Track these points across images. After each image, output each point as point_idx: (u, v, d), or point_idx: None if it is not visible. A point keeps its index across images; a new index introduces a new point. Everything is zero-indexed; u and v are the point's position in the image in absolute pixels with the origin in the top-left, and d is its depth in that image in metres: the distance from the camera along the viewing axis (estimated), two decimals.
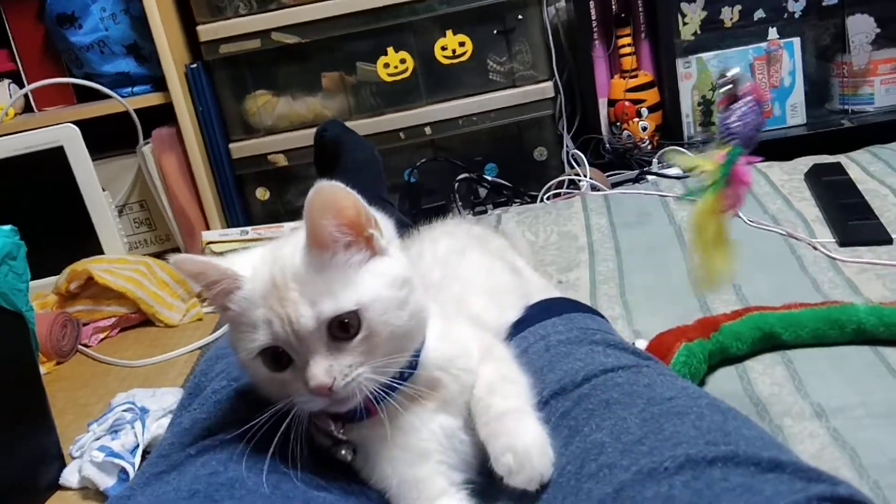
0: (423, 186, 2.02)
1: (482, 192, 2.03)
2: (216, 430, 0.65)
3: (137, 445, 1.23)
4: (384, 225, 0.63)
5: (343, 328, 0.57)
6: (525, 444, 0.59)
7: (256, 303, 0.59)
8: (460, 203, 1.98)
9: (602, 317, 0.88)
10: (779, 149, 1.71)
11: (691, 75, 2.07)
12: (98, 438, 1.25)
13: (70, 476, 1.22)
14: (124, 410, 1.30)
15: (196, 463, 0.60)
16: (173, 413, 0.79)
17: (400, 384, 0.61)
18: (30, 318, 1.18)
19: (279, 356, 0.59)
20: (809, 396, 0.94)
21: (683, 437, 0.56)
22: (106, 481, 1.17)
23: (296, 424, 0.59)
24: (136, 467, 1.20)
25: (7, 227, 1.15)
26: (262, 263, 0.61)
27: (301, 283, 0.58)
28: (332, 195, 0.58)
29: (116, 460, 1.18)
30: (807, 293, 1.18)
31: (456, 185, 1.99)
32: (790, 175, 1.63)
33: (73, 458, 1.26)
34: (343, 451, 0.62)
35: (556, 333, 0.76)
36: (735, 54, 2.04)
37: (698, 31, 2.05)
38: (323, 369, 0.56)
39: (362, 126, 1.87)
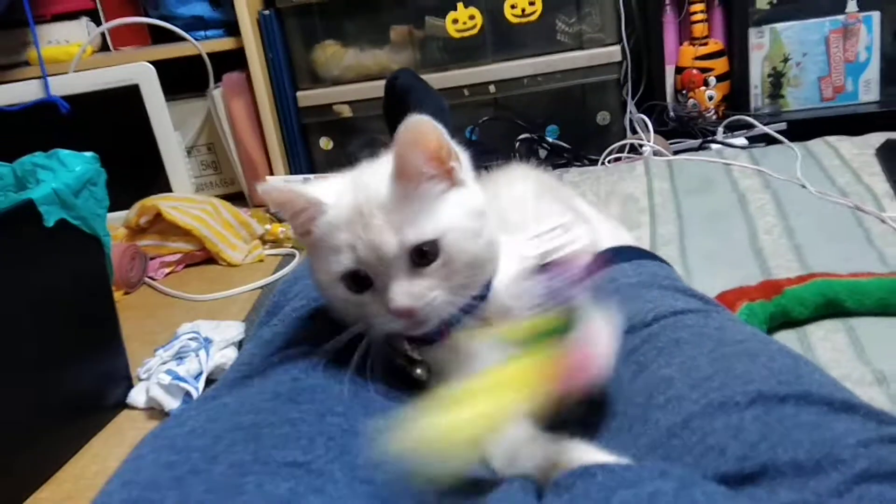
0: (484, 144, 2.03)
1: (542, 153, 2.03)
2: (297, 342, 0.68)
3: (201, 372, 1.28)
4: (463, 158, 0.65)
5: (423, 255, 0.59)
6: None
7: (341, 227, 0.61)
8: (520, 163, 1.99)
9: (670, 266, 0.88)
10: (850, 124, 1.68)
11: (763, 46, 2.03)
12: (164, 363, 1.30)
13: (137, 396, 1.28)
14: (189, 339, 1.35)
15: (278, 369, 0.63)
16: (253, 330, 0.82)
17: (473, 308, 0.63)
18: (106, 244, 1.23)
19: (361, 279, 0.61)
20: (871, 363, 0.94)
21: (755, 376, 0.57)
22: (171, 403, 1.23)
23: (373, 344, 0.61)
24: (200, 392, 1.25)
25: (89, 154, 1.19)
26: (346, 191, 0.63)
27: (386, 211, 0.60)
28: (421, 129, 0.59)
29: (182, 384, 1.23)
30: (872, 265, 1.16)
31: (517, 144, 1.99)
32: (861, 150, 1.60)
33: (140, 380, 1.32)
34: (419, 371, 0.64)
35: (625, 277, 0.77)
36: (811, 26, 1.99)
37: (774, 1, 2.01)
38: (404, 291, 0.59)
39: (427, 81, 1.88)
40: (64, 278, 1.15)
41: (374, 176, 0.62)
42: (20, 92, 1.77)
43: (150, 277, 1.74)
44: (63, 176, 1.12)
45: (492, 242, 0.64)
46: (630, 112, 2.08)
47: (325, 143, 2.10)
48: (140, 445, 0.56)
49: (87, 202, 1.14)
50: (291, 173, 2.06)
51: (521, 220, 0.76)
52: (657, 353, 0.64)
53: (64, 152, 1.16)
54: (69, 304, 1.17)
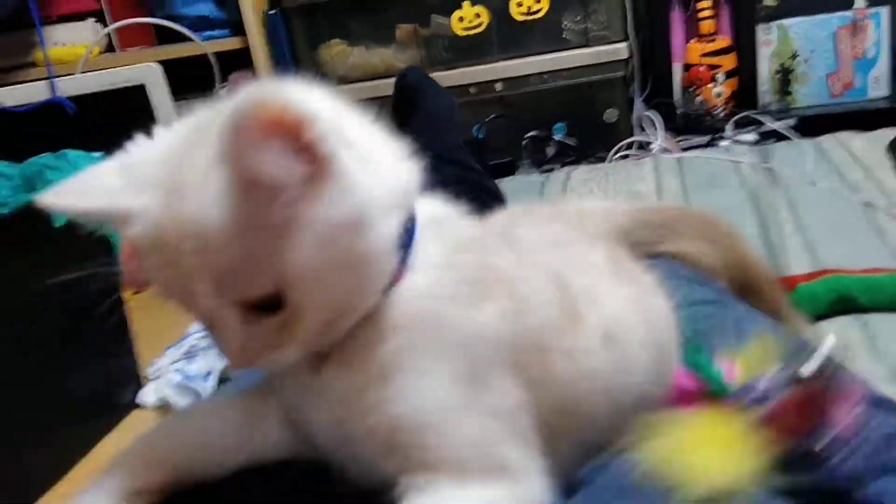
0: (491, 143, 2.02)
1: (550, 151, 2.02)
2: None
3: (211, 371, 1.28)
4: (350, 125, 0.45)
5: (260, 305, 0.43)
6: None
7: (146, 251, 0.45)
8: (527, 161, 1.99)
9: None
10: (860, 120, 1.67)
11: (771, 42, 2.02)
12: (174, 362, 1.30)
13: (147, 396, 1.28)
14: (199, 338, 1.35)
15: None
16: None
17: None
18: (115, 243, 1.22)
19: None
20: (885, 359, 0.94)
21: None
22: (181, 402, 1.23)
23: None
24: (211, 390, 1.25)
25: (97, 154, 1.19)
26: (161, 178, 0.43)
27: (201, 243, 0.41)
28: (266, 109, 0.38)
29: (191, 383, 1.23)
30: (885, 261, 1.15)
31: (524, 143, 1.99)
32: (872, 145, 1.59)
33: (150, 380, 1.32)
34: None
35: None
36: (819, 22, 1.98)
37: None
38: (234, 349, 0.45)
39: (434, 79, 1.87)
40: (73, 278, 1.15)
41: (192, 166, 0.42)
42: (27, 93, 1.77)
43: None
44: (72, 176, 1.11)
45: (375, 265, 0.45)
46: (637, 109, 2.07)
47: None
48: None
49: None
50: None
51: (588, 286, 0.57)
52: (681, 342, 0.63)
53: (73, 153, 1.16)
54: (80, 302, 1.16)
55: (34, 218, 1.07)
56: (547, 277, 0.51)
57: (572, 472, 0.49)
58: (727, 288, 0.77)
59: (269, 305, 0.43)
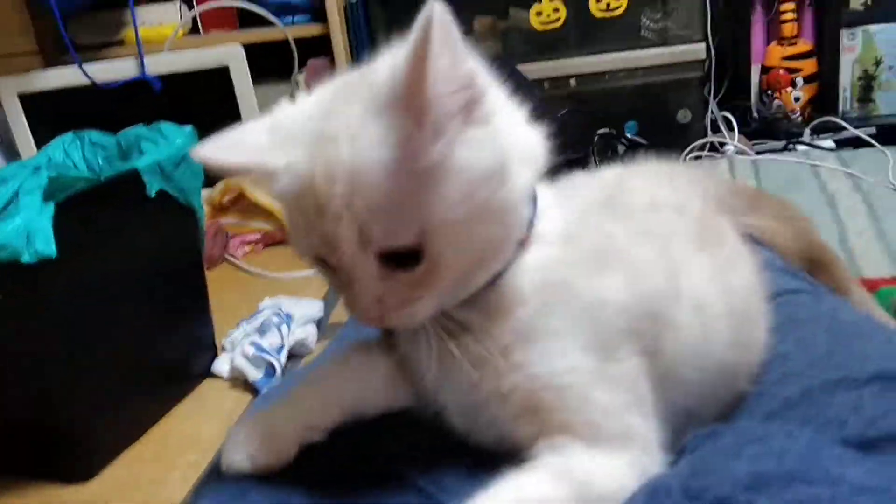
0: (561, 139, 2.01)
1: (620, 149, 2.01)
2: None
3: (283, 346, 1.31)
4: (481, 72, 0.46)
5: (399, 257, 0.44)
6: None
7: (291, 205, 0.46)
8: (597, 158, 1.98)
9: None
10: None
11: (855, 48, 1.98)
12: (248, 335, 1.33)
13: (221, 366, 1.32)
14: (272, 313, 1.38)
15: None
16: None
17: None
18: (201, 216, 1.27)
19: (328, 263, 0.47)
20: None
21: (872, 355, 0.56)
22: (254, 374, 1.26)
23: None
24: (282, 365, 1.28)
25: (188, 128, 1.23)
26: (307, 138, 0.45)
27: (348, 192, 0.42)
28: (446, 34, 0.40)
29: (265, 356, 1.27)
30: None
31: (595, 139, 1.98)
32: None
33: (224, 351, 1.36)
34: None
35: None
36: None
37: (868, 2, 1.95)
38: (369, 301, 0.45)
39: None
40: (162, 247, 1.19)
41: (346, 115, 0.44)
42: (116, 70, 1.83)
43: (230, 255, 1.79)
44: (164, 148, 1.15)
45: (512, 216, 0.46)
46: (712, 111, 2.05)
47: None
48: None
49: (184, 175, 1.18)
50: None
51: (680, 253, 0.56)
52: (774, 329, 0.63)
53: (166, 125, 1.20)
54: (165, 272, 1.21)
55: (128, 186, 1.13)
56: (654, 246, 0.52)
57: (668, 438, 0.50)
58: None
59: (407, 260, 0.44)
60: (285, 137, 0.46)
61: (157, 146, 1.16)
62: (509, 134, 0.46)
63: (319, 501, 0.49)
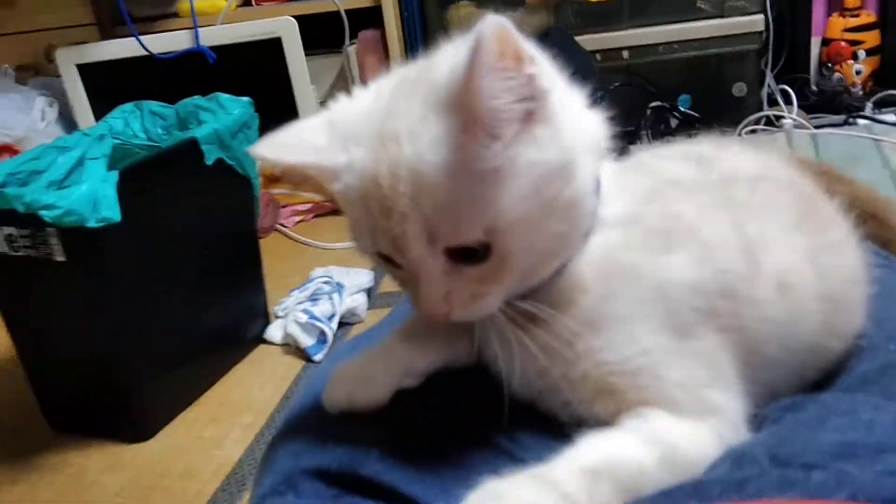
0: (613, 111, 1.99)
1: (673, 122, 1.98)
2: None
3: (334, 314, 1.33)
4: (546, 68, 0.45)
5: (467, 252, 0.44)
6: None
7: (355, 203, 0.45)
8: (649, 131, 1.95)
9: None
10: None
11: None
12: (300, 303, 1.36)
13: (274, 332, 1.35)
14: (323, 282, 1.40)
15: None
16: None
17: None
18: (256, 186, 1.28)
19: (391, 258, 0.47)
20: None
21: None
22: (306, 340, 1.29)
23: None
24: (334, 332, 1.30)
25: (245, 99, 1.25)
26: (369, 135, 0.45)
27: (414, 190, 0.42)
28: (505, 38, 0.40)
29: (317, 323, 1.29)
30: None
31: (647, 112, 1.95)
32: None
33: (277, 318, 1.38)
34: None
35: None
36: None
37: None
38: (435, 297, 0.45)
39: None
40: (218, 214, 1.22)
41: (407, 114, 0.44)
42: (172, 41, 1.86)
43: (281, 224, 1.82)
44: (222, 118, 1.17)
45: (580, 208, 0.46)
46: (768, 84, 2.00)
47: None
48: None
49: (241, 144, 1.20)
50: None
51: (762, 231, 0.53)
52: None
53: (223, 96, 1.22)
54: (221, 239, 1.24)
55: (187, 155, 1.15)
56: (728, 221, 0.52)
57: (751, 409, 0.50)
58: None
59: (474, 256, 0.44)
60: (345, 136, 0.46)
61: (216, 116, 1.18)
62: (572, 127, 0.45)
63: (399, 456, 0.50)
